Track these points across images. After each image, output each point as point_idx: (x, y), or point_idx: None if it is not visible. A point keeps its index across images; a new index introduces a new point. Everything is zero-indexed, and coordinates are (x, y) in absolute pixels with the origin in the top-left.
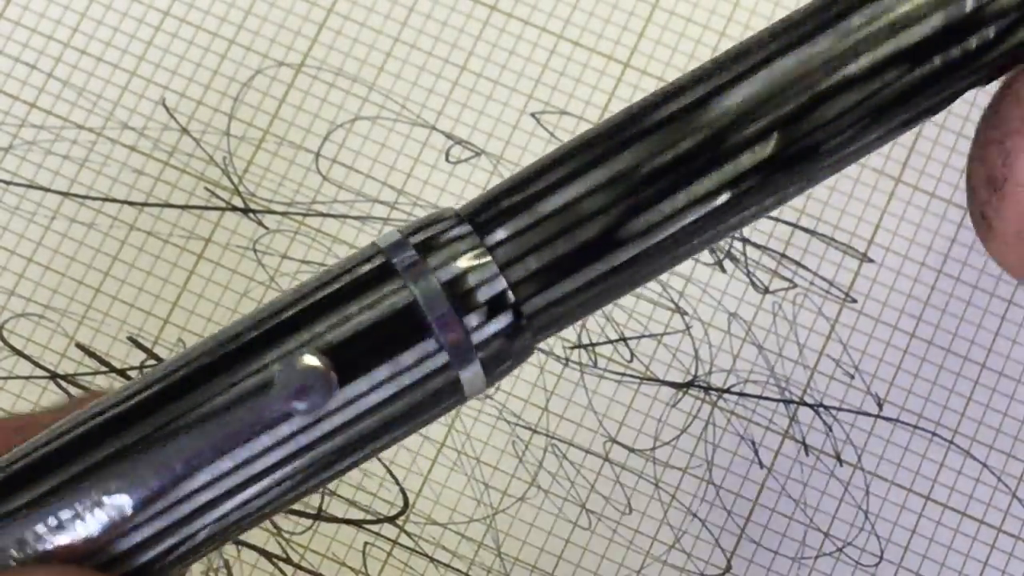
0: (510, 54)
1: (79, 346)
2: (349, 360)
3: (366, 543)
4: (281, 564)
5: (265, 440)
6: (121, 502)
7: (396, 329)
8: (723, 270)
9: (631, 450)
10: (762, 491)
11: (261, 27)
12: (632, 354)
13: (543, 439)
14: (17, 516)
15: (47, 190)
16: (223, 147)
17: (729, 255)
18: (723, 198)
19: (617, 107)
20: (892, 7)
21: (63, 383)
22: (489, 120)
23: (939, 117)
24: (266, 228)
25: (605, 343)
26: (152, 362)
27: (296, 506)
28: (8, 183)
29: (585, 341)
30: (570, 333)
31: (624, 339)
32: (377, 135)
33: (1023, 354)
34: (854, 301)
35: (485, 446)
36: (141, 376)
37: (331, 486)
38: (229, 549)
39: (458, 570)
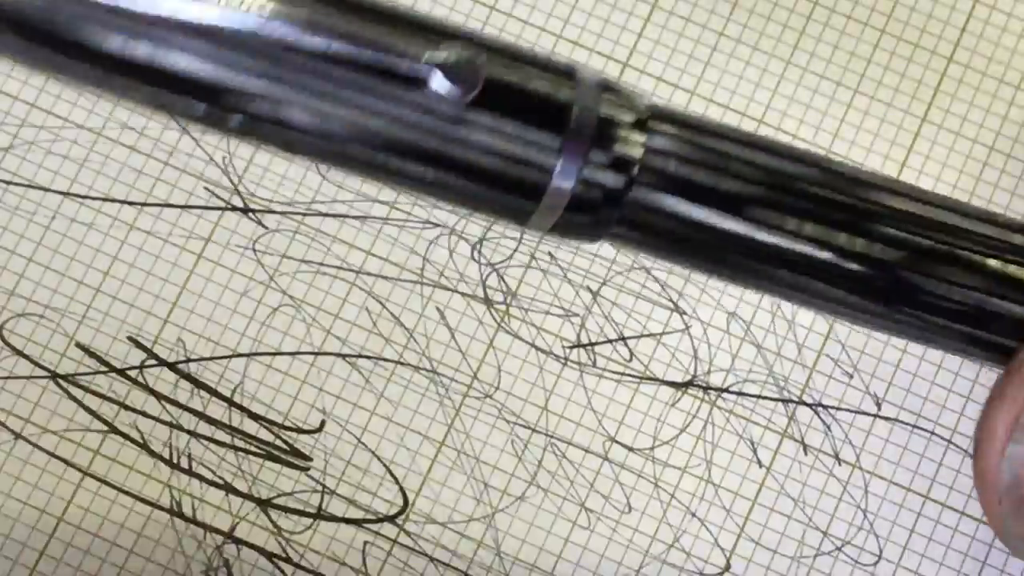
0: None
1: (79, 346)
2: (494, 95)
3: (366, 542)
4: (281, 563)
5: (384, 103)
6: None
7: (543, 109)
8: None
9: (630, 449)
10: (761, 490)
11: None
12: (631, 353)
13: (542, 438)
14: None
15: (47, 190)
16: (223, 147)
17: None
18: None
19: None
20: None
21: (63, 383)
22: None
23: (937, 116)
24: (266, 228)
25: (604, 342)
26: (152, 362)
27: (295, 505)
28: (8, 183)
29: (584, 340)
30: (569, 332)
31: (623, 338)
32: None
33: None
34: None
35: (484, 445)
36: None
37: (331, 485)
38: (229, 549)
39: (458, 569)
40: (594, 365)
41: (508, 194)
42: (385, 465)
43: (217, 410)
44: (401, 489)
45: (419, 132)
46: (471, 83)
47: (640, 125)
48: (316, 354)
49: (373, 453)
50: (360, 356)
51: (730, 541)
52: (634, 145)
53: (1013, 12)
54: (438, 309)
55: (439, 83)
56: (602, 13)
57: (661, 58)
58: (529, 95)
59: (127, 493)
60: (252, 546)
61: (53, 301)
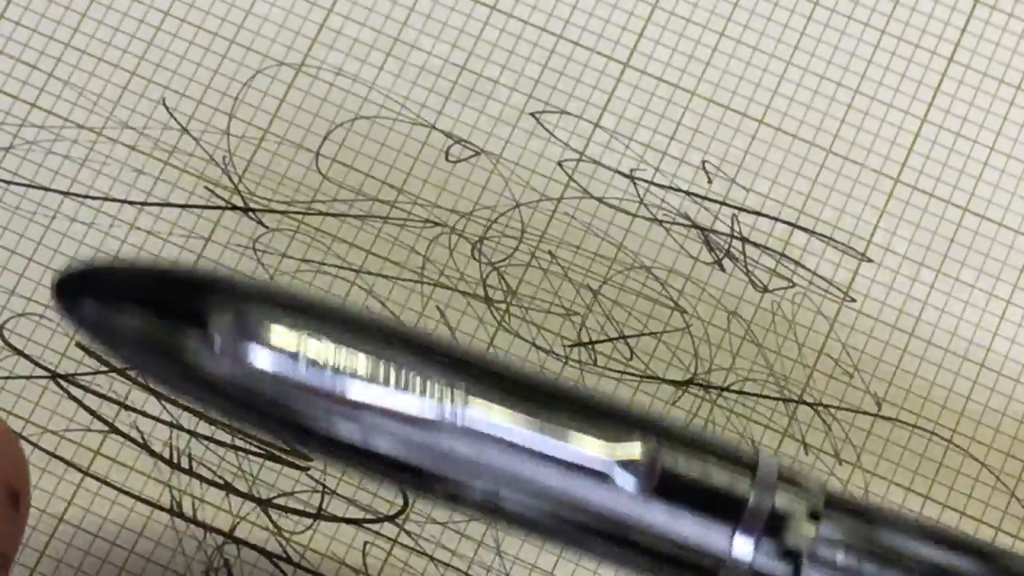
0: (510, 54)
1: (79, 346)
2: (672, 486)
3: (366, 542)
4: (281, 563)
5: (574, 488)
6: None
7: (718, 500)
8: (723, 269)
9: None
10: None
11: (261, 27)
12: (632, 352)
13: None
14: None
15: (47, 190)
16: (223, 146)
17: (728, 254)
18: None
19: (617, 107)
20: None
21: (63, 383)
22: (489, 120)
23: (937, 116)
24: (266, 227)
25: (605, 341)
26: None
27: (296, 505)
28: (8, 183)
29: (585, 339)
30: (570, 331)
31: (624, 337)
32: (377, 134)
33: (1022, 354)
34: (853, 300)
35: None
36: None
37: (331, 485)
38: (229, 549)
39: (458, 569)
40: (595, 364)
41: (685, 573)
42: None
43: None
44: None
45: (604, 518)
46: (649, 479)
47: (813, 516)
48: None
49: None
50: None
51: None
52: (804, 536)
53: (1013, 12)
54: (438, 308)
55: (622, 478)
56: (603, 13)
57: (661, 58)
58: (704, 487)
59: (127, 493)
60: (252, 546)
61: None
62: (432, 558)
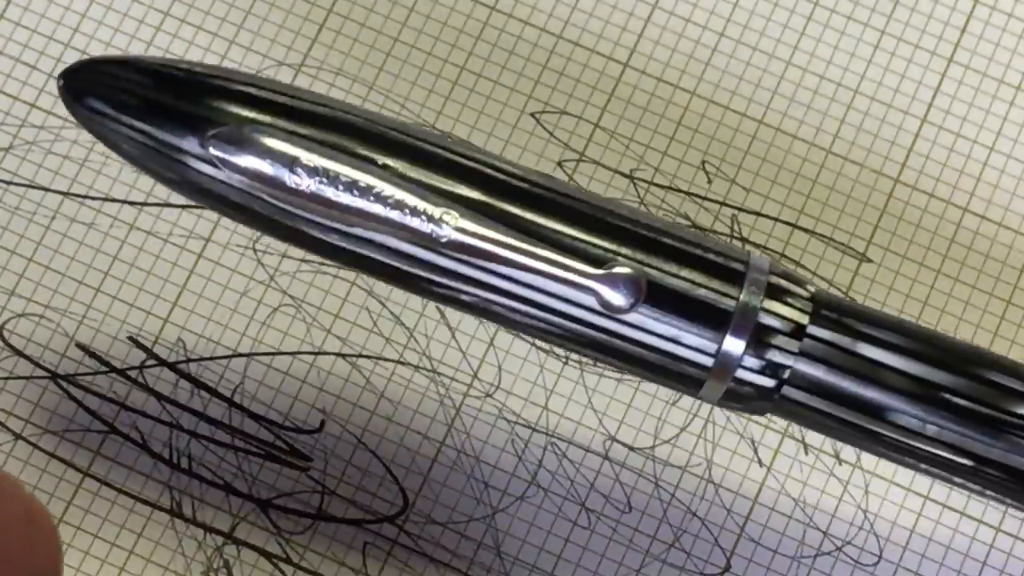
0: (510, 54)
1: (79, 346)
2: (658, 298)
3: (366, 543)
4: (281, 564)
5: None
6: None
7: (703, 313)
8: None
9: (631, 448)
10: (762, 490)
11: (261, 27)
12: None
13: (543, 437)
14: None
15: (47, 190)
16: None
17: None
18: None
19: (617, 107)
20: None
21: (63, 383)
22: (489, 120)
23: (937, 116)
24: None
25: None
26: (152, 362)
27: (295, 506)
28: (8, 183)
29: None
30: None
31: None
32: None
33: (1022, 354)
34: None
35: (484, 445)
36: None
37: (331, 485)
38: (229, 549)
39: (458, 569)
40: (595, 364)
41: (671, 381)
42: (385, 465)
43: (217, 410)
44: (401, 489)
45: (592, 330)
46: (635, 295)
47: (796, 332)
48: (316, 354)
49: (373, 453)
50: (360, 356)
51: (730, 541)
52: (787, 351)
53: (1013, 12)
54: (438, 308)
55: (607, 295)
56: (602, 13)
57: (661, 58)
58: (689, 300)
59: (127, 494)
60: (252, 546)
61: (53, 301)
62: (432, 558)
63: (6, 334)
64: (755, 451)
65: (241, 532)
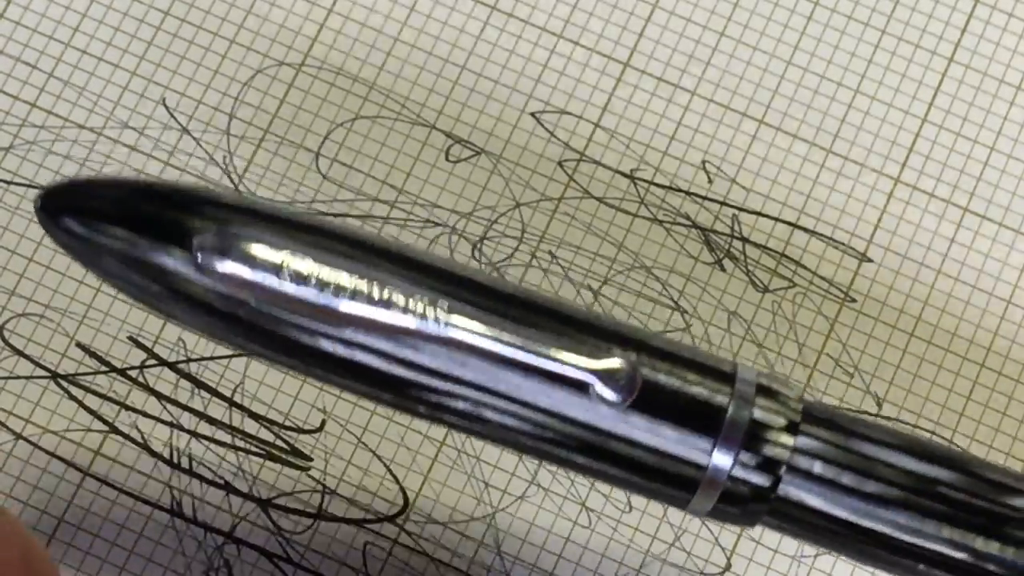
0: (510, 54)
1: (79, 346)
2: (651, 399)
3: (366, 542)
4: (281, 563)
5: (550, 398)
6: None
7: (697, 413)
8: (723, 269)
9: None
10: None
11: (261, 27)
12: None
13: None
14: None
15: None
16: (223, 146)
17: (729, 254)
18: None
19: (617, 107)
20: None
21: (63, 383)
22: (489, 119)
23: (937, 116)
24: None
25: None
26: (152, 362)
27: (296, 506)
28: (8, 183)
29: None
30: None
31: None
32: (377, 134)
33: (1022, 354)
34: (853, 300)
35: (485, 445)
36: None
37: (331, 485)
38: (229, 549)
39: (458, 569)
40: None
41: (664, 485)
42: (385, 465)
43: (217, 410)
44: (401, 489)
45: (584, 429)
46: (629, 390)
47: (790, 427)
48: None
49: (373, 453)
50: None
51: (731, 540)
52: (783, 447)
53: (1013, 12)
54: None
55: (602, 389)
56: (603, 13)
57: (661, 58)
58: (683, 399)
59: (127, 493)
60: (252, 546)
61: (53, 301)
62: (432, 558)
63: (6, 334)
64: None
65: (241, 532)
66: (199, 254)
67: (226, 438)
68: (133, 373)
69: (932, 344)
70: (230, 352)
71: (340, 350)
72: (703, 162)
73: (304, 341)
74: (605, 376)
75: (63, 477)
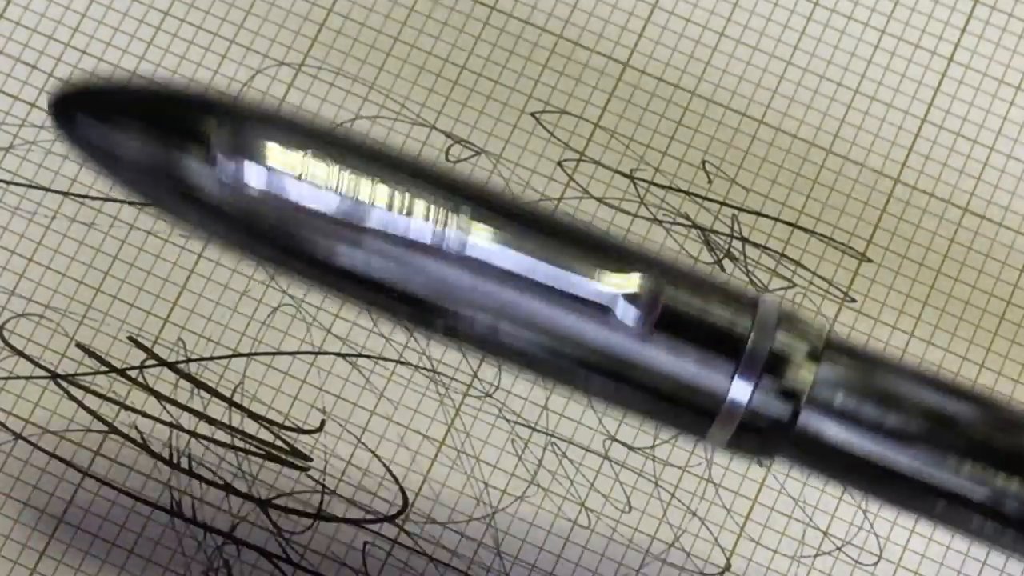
0: (510, 54)
1: (79, 346)
2: (673, 322)
3: (366, 542)
4: (281, 564)
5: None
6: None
7: (719, 338)
8: (723, 269)
9: (631, 448)
10: (761, 489)
11: (261, 27)
12: None
13: (543, 437)
14: None
15: (47, 190)
16: None
17: (728, 254)
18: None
19: (617, 107)
20: None
21: (63, 383)
22: (489, 120)
23: (937, 116)
24: None
25: None
26: (152, 362)
27: (295, 506)
28: (8, 183)
29: None
30: None
31: None
32: (377, 134)
33: (1022, 354)
34: (853, 300)
35: (484, 445)
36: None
37: (331, 485)
38: (229, 549)
39: (458, 569)
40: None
41: (683, 412)
42: (385, 465)
43: (217, 410)
44: (401, 489)
45: (603, 353)
46: (652, 311)
47: (812, 357)
48: (316, 354)
49: (373, 453)
50: (360, 356)
51: (730, 541)
52: (803, 377)
53: (1013, 12)
54: None
55: (623, 311)
56: (602, 13)
57: (661, 58)
58: (706, 324)
59: (127, 493)
60: (252, 546)
61: (53, 301)
62: (432, 558)
63: (6, 334)
64: None
65: (241, 532)
66: (218, 155)
67: (225, 438)
68: (133, 373)
69: (932, 344)
70: (230, 352)
71: (358, 258)
72: (703, 162)
73: (321, 248)
74: (627, 298)
75: (63, 477)
